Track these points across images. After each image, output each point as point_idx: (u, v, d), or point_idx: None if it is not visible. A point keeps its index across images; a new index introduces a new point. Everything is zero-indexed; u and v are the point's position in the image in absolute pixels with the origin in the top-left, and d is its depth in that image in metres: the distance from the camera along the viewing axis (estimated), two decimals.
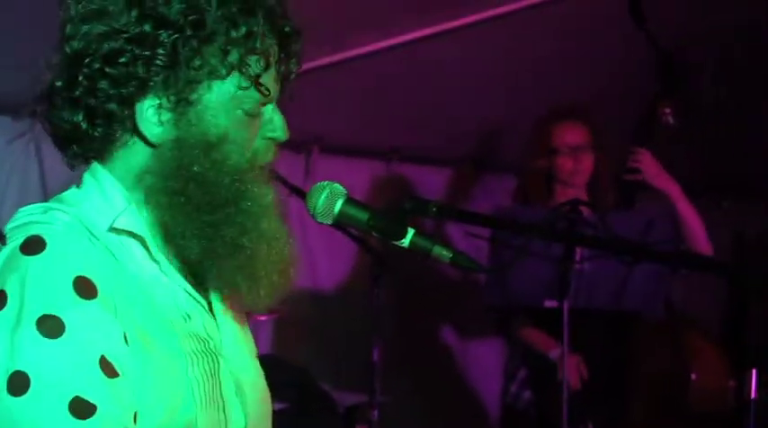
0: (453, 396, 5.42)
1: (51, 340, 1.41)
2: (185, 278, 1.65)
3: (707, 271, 2.52)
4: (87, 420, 1.41)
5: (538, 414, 4.08)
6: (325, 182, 1.75)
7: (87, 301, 1.45)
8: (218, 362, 1.63)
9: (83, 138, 1.59)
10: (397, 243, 1.74)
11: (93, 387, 1.43)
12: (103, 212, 1.57)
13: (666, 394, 4.05)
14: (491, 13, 4.06)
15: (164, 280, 1.61)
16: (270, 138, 1.67)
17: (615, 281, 3.62)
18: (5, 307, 1.44)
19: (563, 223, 3.44)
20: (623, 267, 3.58)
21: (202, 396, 1.57)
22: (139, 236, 1.58)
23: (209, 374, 1.60)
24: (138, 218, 1.59)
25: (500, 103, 4.76)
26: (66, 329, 1.42)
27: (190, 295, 1.64)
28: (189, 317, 1.62)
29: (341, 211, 1.73)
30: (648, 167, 3.93)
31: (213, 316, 1.69)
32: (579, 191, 4.04)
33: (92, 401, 1.42)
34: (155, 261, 1.60)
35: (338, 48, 4.12)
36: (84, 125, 1.57)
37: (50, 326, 1.41)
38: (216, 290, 1.70)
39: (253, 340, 1.82)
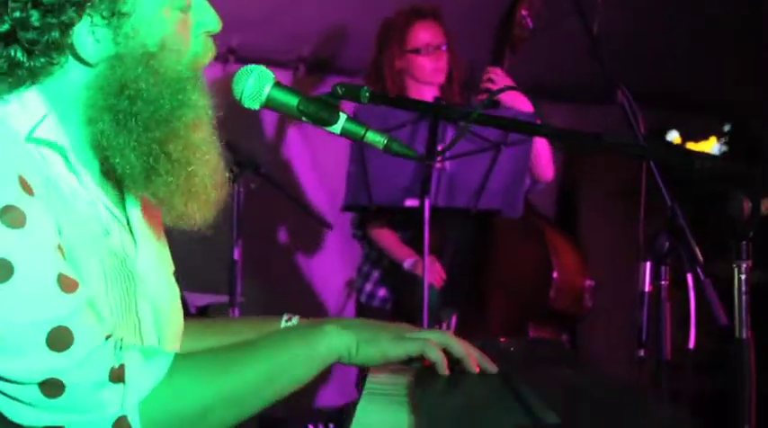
0: (308, 297, 5.39)
1: (18, 229, 1.39)
2: (105, 193, 1.61)
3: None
4: (73, 293, 1.41)
5: (393, 310, 4.11)
6: (252, 66, 1.70)
7: (31, 197, 1.42)
8: (134, 282, 1.59)
9: (18, 70, 1.51)
10: (328, 128, 1.68)
11: (66, 268, 1.43)
12: (21, 120, 1.50)
13: (527, 291, 4.14)
14: None
15: (83, 193, 1.56)
16: (206, 33, 1.63)
17: (475, 180, 3.62)
18: None
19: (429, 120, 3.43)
20: (484, 166, 3.60)
21: (118, 316, 1.53)
22: (59, 146, 1.53)
23: (123, 294, 1.56)
24: (57, 129, 1.53)
25: (342, 4, 4.65)
26: (27, 219, 1.40)
27: (109, 210, 1.60)
28: (108, 233, 1.59)
29: (269, 96, 1.69)
30: (500, 84, 3.96)
31: (131, 232, 1.65)
32: (434, 90, 4.04)
33: (72, 277, 1.42)
34: (74, 172, 1.55)
35: None
36: (22, 58, 1.50)
37: (13, 217, 1.39)
38: (137, 202, 1.66)
39: (170, 257, 1.78)
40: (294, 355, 1.56)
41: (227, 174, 1.66)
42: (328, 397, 5.18)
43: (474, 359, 1.66)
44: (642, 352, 2.30)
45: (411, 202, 3.62)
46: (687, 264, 2.24)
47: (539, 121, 3.83)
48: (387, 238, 4.11)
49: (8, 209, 1.38)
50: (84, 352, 1.40)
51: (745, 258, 1.57)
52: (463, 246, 4.11)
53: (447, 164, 3.63)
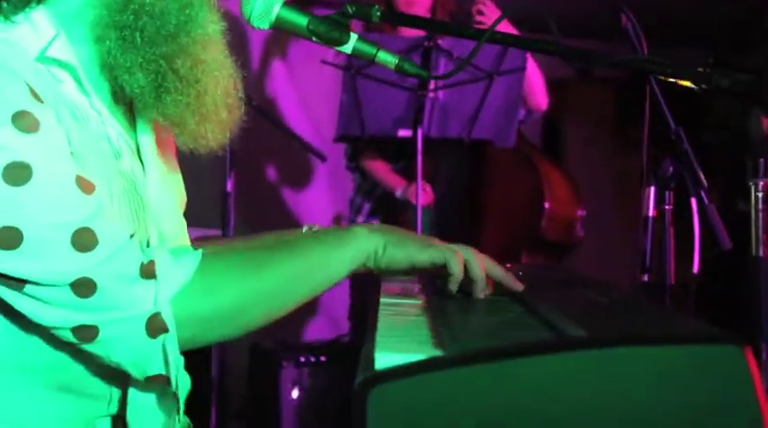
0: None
1: (32, 133, 1.37)
2: (117, 119, 1.59)
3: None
4: (92, 194, 1.40)
5: None
6: None
7: (42, 104, 1.40)
8: (144, 207, 1.58)
9: None
10: (339, 48, 1.66)
11: (82, 171, 1.41)
12: (32, 41, 1.47)
13: (520, 221, 4.14)
14: None
15: (94, 115, 1.54)
16: None
17: (469, 110, 3.61)
18: None
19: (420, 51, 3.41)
20: (477, 95, 3.58)
21: None
22: (71, 66, 1.51)
23: (134, 217, 1.55)
24: (68, 49, 1.51)
25: None
26: (41, 124, 1.38)
27: (120, 135, 1.58)
28: (119, 155, 1.57)
29: (279, 16, 1.66)
30: (491, 15, 3.92)
31: (141, 160, 1.63)
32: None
33: (89, 179, 1.41)
34: (85, 93, 1.53)
35: None
36: None
37: (27, 122, 1.37)
38: (149, 129, 1.64)
39: (183, 189, 1.76)
40: (327, 253, 1.55)
41: (240, 97, 1.63)
42: (317, 331, 5.19)
43: (484, 286, 1.65)
44: (646, 277, 2.30)
45: (404, 132, 3.61)
46: (691, 189, 2.24)
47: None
48: (379, 168, 4.11)
49: (21, 114, 1.36)
50: (111, 250, 1.38)
51: (762, 176, 1.56)
52: (456, 176, 4.12)
53: (440, 93, 3.61)
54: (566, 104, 6.37)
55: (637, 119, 6.57)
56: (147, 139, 1.65)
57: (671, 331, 1.24)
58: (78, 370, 1.50)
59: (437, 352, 1.19)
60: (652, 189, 2.30)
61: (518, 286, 1.67)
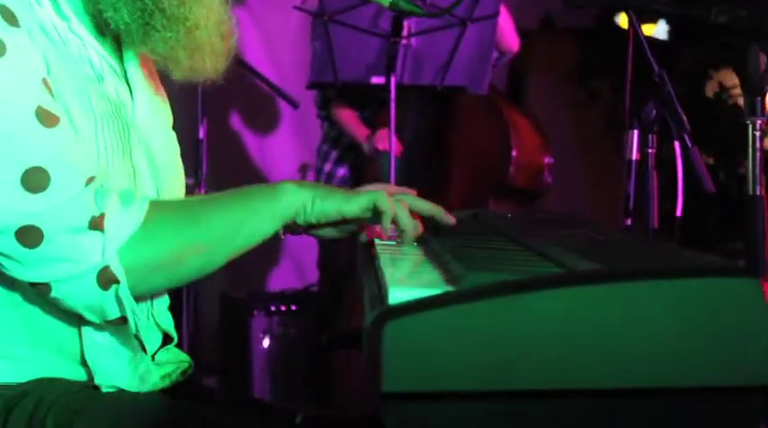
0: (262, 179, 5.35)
1: None
2: (102, 44, 1.57)
3: None
4: (53, 128, 1.37)
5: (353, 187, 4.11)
6: None
7: (14, 28, 1.39)
8: (128, 130, 1.57)
9: None
10: None
11: (49, 101, 1.39)
12: None
13: (488, 168, 4.14)
14: None
15: (73, 38, 1.52)
16: None
17: (442, 56, 3.59)
18: None
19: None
20: (450, 42, 3.56)
21: (110, 161, 1.51)
22: None
23: (117, 140, 1.53)
24: None
25: None
26: (7, 49, 1.36)
27: (103, 58, 1.56)
28: (101, 79, 1.55)
29: None
30: None
31: (128, 84, 1.62)
32: None
33: (53, 112, 1.38)
34: (64, 18, 1.51)
35: None
36: None
37: None
38: (135, 56, 1.63)
39: (170, 112, 1.75)
40: (256, 208, 1.56)
41: (234, 22, 1.61)
42: (284, 281, 5.18)
43: (412, 229, 1.63)
44: (629, 221, 2.30)
45: (377, 79, 3.58)
46: (674, 132, 2.23)
47: None
48: (347, 117, 4.10)
49: None
50: (62, 197, 1.37)
51: (759, 114, 1.56)
52: (422, 124, 4.11)
53: (413, 40, 3.58)
54: (529, 54, 6.36)
55: (599, 69, 6.57)
56: (134, 65, 1.63)
57: (686, 264, 1.24)
58: (42, 308, 1.50)
59: (449, 288, 1.18)
60: (635, 132, 2.30)
61: (449, 219, 1.67)
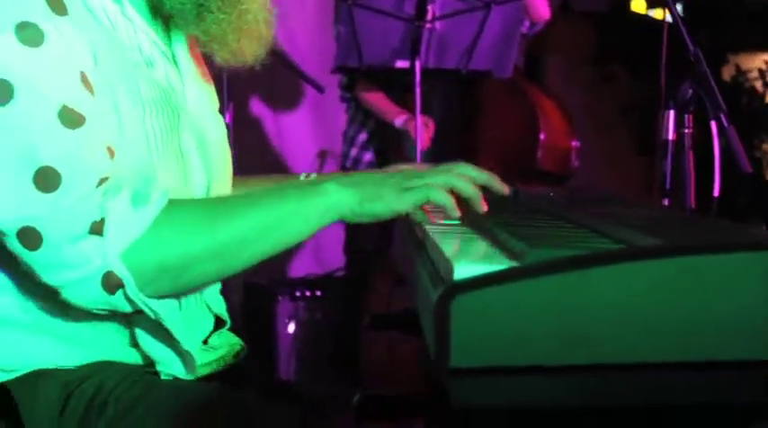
0: (283, 167, 5.35)
1: (33, 48, 1.33)
2: (152, 28, 1.57)
3: None
4: (77, 130, 1.35)
5: None
6: None
7: (60, 17, 1.37)
8: (178, 116, 1.55)
9: None
10: None
11: (79, 100, 1.37)
12: None
13: (515, 152, 4.14)
14: None
15: (125, 23, 1.52)
16: None
17: (466, 40, 3.58)
18: None
19: None
20: (474, 26, 3.56)
21: (158, 147, 1.50)
22: None
23: (167, 126, 1.52)
24: None
25: None
26: (46, 38, 1.34)
27: (155, 43, 1.56)
28: (152, 64, 1.55)
29: None
30: None
31: (177, 67, 1.61)
32: None
33: (80, 112, 1.36)
34: (118, 1, 1.51)
35: None
36: None
37: (30, 34, 1.33)
38: (183, 39, 1.63)
39: (216, 95, 1.74)
40: (288, 212, 1.46)
41: (274, 11, 1.62)
42: (305, 267, 5.18)
43: (479, 198, 1.57)
44: (666, 201, 2.30)
45: (402, 63, 3.59)
46: (710, 112, 2.23)
47: None
48: (376, 98, 4.08)
49: (26, 25, 1.33)
50: (69, 200, 1.34)
51: None
52: (449, 108, 4.10)
53: (437, 24, 3.57)
54: (546, 37, 6.36)
55: (615, 53, 6.54)
56: (182, 49, 1.63)
57: (745, 238, 1.24)
58: None
59: (513, 263, 1.18)
60: (671, 112, 2.30)
61: (503, 187, 1.63)
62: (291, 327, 4.22)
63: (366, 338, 4.03)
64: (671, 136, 2.29)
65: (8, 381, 1.49)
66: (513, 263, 1.18)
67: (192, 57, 1.65)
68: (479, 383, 1.09)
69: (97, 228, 1.35)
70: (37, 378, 1.49)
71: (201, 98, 1.65)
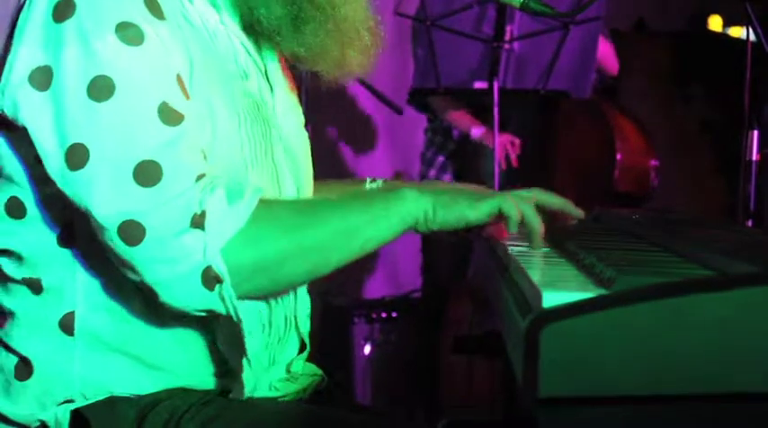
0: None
1: (133, 47, 1.36)
2: (249, 39, 1.59)
3: None
4: (175, 127, 1.37)
5: None
6: None
7: (159, 20, 1.40)
8: (270, 128, 1.57)
9: None
10: None
11: (177, 99, 1.39)
12: None
13: (592, 173, 4.10)
14: None
15: (223, 32, 1.54)
16: None
17: (544, 61, 3.56)
18: (74, 14, 1.36)
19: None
20: (552, 46, 3.54)
21: (252, 157, 1.51)
22: None
23: (260, 137, 1.53)
24: None
25: None
26: (146, 38, 1.37)
27: (250, 55, 1.58)
28: (246, 76, 1.56)
29: None
30: None
31: (269, 81, 1.63)
32: None
33: (178, 110, 1.38)
34: (216, 8, 1.53)
35: None
36: None
37: (132, 34, 1.36)
38: (275, 56, 1.64)
39: (301, 111, 1.75)
40: (373, 215, 1.49)
41: (378, 19, 1.61)
42: (379, 289, 5.18)
43: (539, 233, 1.58)
44: (750, 222, 2.26)
45: (480, 84, 3.58)
46: None
47: None
48: (456, 115, 4.09)
49: (127, 25, 1.36)
50: (171, 194, 1.35)
51: None
52: (526, 128, 4.09)
53: (515, 45, 3.56)
54: (621, 56, 6.31)
55: (693, 72, 6.47)
56: (273, 62, 1.65)
57: None
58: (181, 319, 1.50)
59: (602, 291, 1.16)
60: (755, 133, 2.26)
61: (579, 212, 1.64)
62: (367, 349, 4.22)
63: (444, 361, 4.02)
64: (755, 156, 2.25)
65: (85, 406, 1.50)
66: (602, 290, 1.16)
67: (282, 72, 1.67)
68: (568, 413, 1.07)
69: (198, 222, 1.36)
70: (113, 403, 1.50)
71: (290, 114, 1.67)
